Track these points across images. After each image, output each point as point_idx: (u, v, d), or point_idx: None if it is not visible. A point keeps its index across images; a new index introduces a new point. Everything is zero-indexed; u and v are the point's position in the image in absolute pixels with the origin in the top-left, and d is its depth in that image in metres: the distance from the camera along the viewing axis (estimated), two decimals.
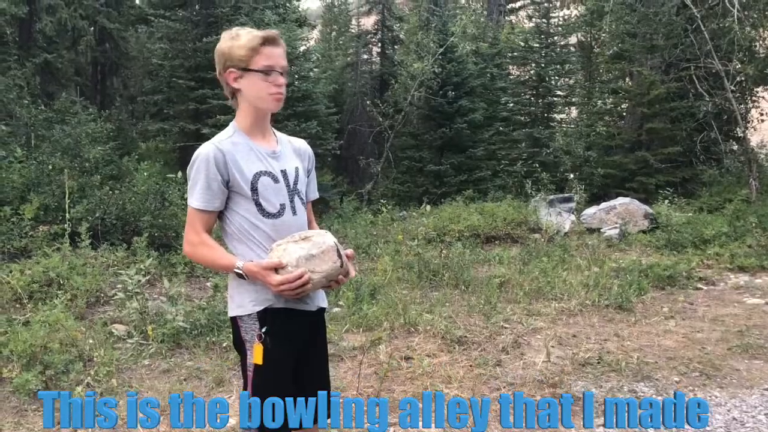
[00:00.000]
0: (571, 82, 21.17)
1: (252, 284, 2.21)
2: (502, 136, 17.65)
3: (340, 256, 2.23)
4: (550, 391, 4.17)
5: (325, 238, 2.23)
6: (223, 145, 2.21)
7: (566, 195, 12.62)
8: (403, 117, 17.54)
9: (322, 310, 2.43)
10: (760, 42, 15.60)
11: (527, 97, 19.56)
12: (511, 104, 19.23)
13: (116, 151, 12.98)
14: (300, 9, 20.20)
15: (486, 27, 21.70)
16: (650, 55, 15.37)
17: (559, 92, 20.30)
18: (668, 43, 15.05)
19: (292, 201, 2.32)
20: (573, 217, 11.21)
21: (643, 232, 10.49)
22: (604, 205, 11.41)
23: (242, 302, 2.25)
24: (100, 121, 13.23)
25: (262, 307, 2.22)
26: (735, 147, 16.69)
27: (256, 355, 2.20)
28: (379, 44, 22.34)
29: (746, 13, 14.85)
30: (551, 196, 12.12)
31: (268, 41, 2.23)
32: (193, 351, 4.93)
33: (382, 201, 13.36)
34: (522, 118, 19.09)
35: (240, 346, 2.29)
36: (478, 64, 18.42)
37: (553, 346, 5.03)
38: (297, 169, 2.38)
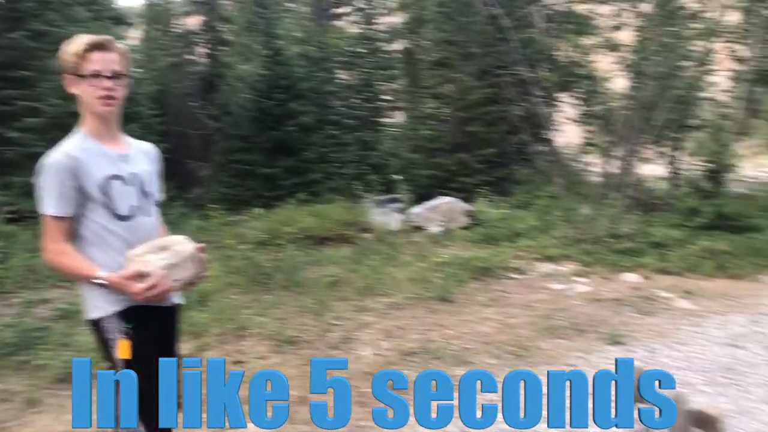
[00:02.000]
0: (397, 87, 21.93)
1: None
2: (333, 139, 17.87)
3: (199, 261, 2.33)
4: None
5: (183, 246, 2.31)
6: (73, 151, 2.26)
7: (394, 195, 13.11)
8: (232, 119, 17.21)
9: (177, 305, 2.50)
10: (562, 51, 17.18)
11: (356, 101, 19.98)
12: (341, 108, 19.56)
13: None
14: (116, 5, 19.12)
15: (313, 31, 21.87)
16: (467, 62, 16.37)
17: (385, 97, 20.96)
18: (483, 51, 16.14)
19: (143, 203, 2.39)
20: (401, 217, 11.67)
21: (464, 228, 11.13)
22: (428, 204, 11.97)
23: (99, 304, 2.28)
24: None
25: (122, 307, 2.26)
26: (544, 148, 18.20)
27: (122, 350, 2.24)
28: (207, 45, 21.72)
29: (549, 24, 16.32)
30: (380, 197, 12.53)
31: (94, 47, 2.31)
32: (0, 372, 4.54)
33: (213, 206, 13.01)
34: (351, 122, 19.47)
35: (103, 345, 2.31)
36: (306, 68, 18.54)
37: (381, 339, 5.25)
38: (147, 172, 2.48)
